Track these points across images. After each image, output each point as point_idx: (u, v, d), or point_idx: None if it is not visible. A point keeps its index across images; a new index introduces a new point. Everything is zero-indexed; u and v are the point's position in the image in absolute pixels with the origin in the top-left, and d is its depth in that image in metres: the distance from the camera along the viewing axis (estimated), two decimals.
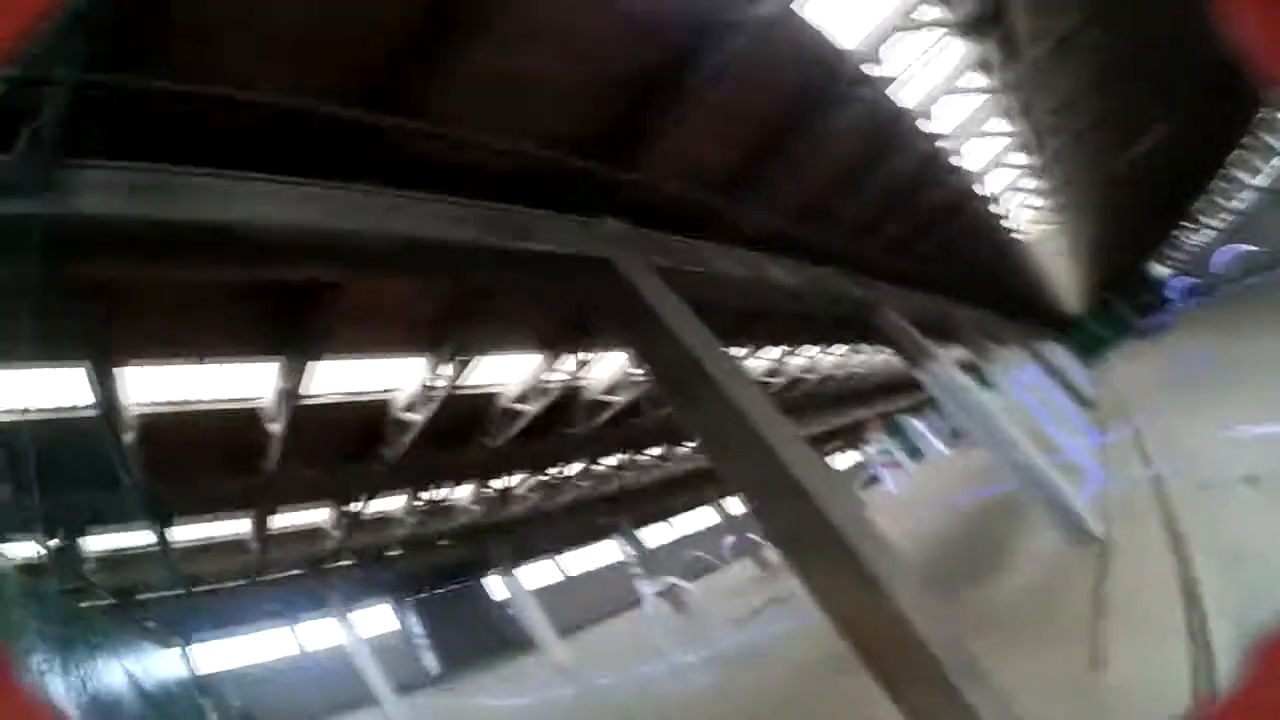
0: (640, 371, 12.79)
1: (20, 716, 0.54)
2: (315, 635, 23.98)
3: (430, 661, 24.49)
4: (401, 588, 25.03)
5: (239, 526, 13.94)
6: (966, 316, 17.47)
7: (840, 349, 21.61)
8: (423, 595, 26.17)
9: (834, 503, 5.86)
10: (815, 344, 19.00)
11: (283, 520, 14.43)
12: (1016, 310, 23.68)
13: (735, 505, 30.86)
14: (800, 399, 22.77)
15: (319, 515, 15.53)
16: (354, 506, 14.57)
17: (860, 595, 5.75)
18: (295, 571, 17.75)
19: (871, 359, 26.34)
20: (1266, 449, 9.66)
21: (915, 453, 30.92)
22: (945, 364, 12.00)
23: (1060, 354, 25.09)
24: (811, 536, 5.90)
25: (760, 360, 17.13)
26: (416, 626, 23.46)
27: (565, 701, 17.05)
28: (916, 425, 31.92)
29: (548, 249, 6.29)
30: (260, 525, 13.63)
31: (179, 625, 11.53)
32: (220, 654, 20.20)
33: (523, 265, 6.39)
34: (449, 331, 9.47)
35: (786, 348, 17.29)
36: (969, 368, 14.50)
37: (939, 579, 12.54)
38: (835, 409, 29.01)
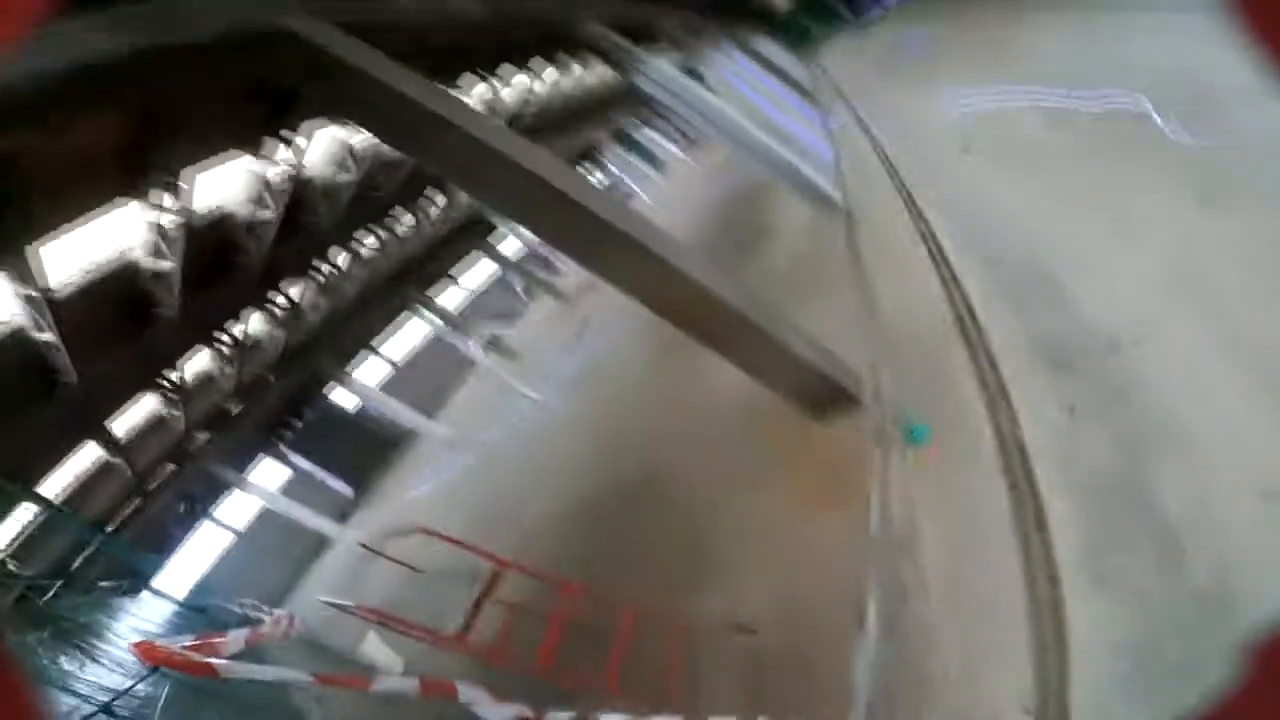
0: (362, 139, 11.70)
1: (20, 716, 0.46)
2: (232, 516, 22.42)
3: (339, 486, 23.16)
4: (263, 440, 23.01)
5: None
6: (672, 19, 16.29)
7: (552, 72, 19.97)
8: (288, 436, 24.20)
9: (602, 203, 5.76)
10: (525, 71, 17.32)
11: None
12: (723, 7, 22.57)
13: (512, 247, 29.90)
14: (528, 128, 21.34)
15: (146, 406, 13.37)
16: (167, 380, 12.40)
17: (657, 277, 5.82)
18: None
19: (586, 78, 25.08)
20: (978, 119, 9.97)
21: (655, 162, 30.59)
22: (661, 68, 11.26)
23: (775, 49, 24.60)
24: (595, 240, 5.84)
25: (473, 98, 15.46)
26: (305, 464, 21.59)
27: (474, 469, 16.63)
28: (649, 135, 31.29)
29: (220, 34, 5.15)
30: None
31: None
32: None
33: (200, 60, 5.34)
34: (149, 160, 7.79)
35: (497, 81, 15.51)
36: (687, 71, 13.75)
37: (714, 260, 12.79)
38: (565, 134, 27.66)
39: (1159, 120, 6.54)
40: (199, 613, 14.22)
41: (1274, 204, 4.91)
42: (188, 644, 3.07)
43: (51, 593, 10.89)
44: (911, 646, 3.95)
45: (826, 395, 6.39)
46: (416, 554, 9.07)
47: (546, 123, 24.33)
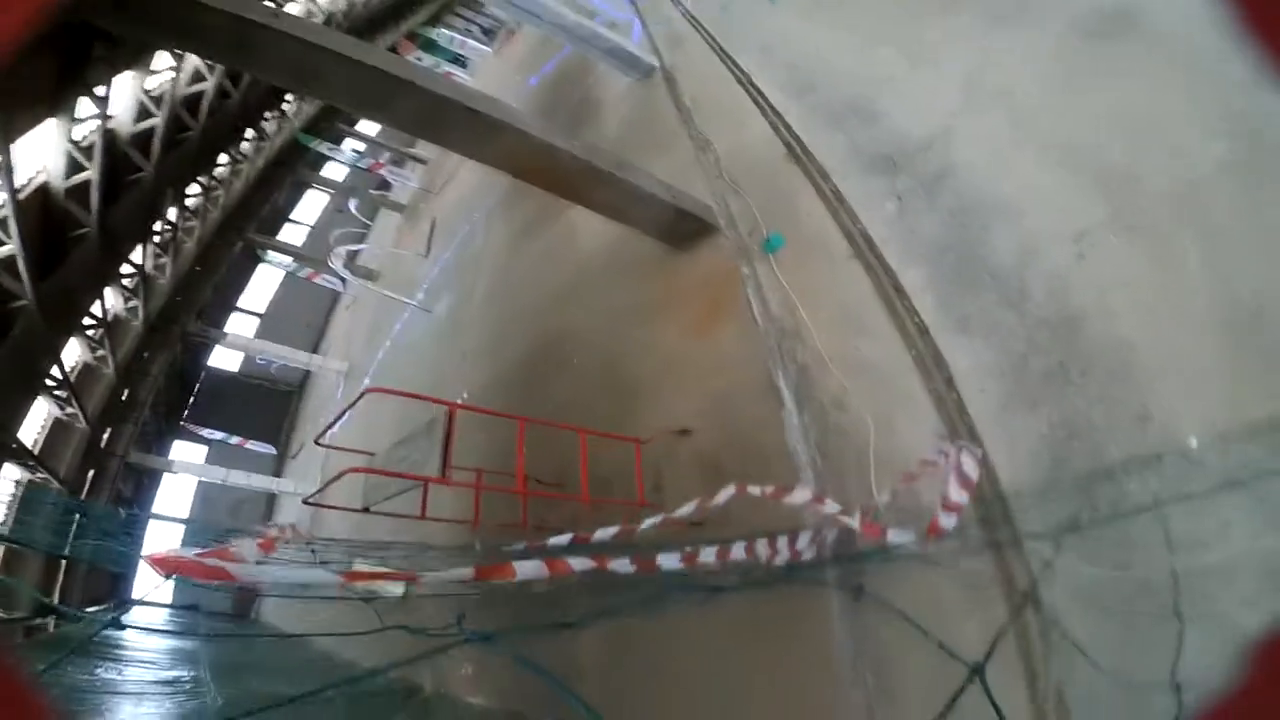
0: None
1: (20, 716, 0.42)
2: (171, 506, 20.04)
3: (261, 449, 21.02)
4: (172, 423, 20.66)
5: None
6: None
7: None
8: (188, 413, 21.67)
9: (438, 83, 5.37)
10: None
11: None
12: None
13: (338, 171, 27.16)
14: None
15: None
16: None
17: (502, 141, 5.57)
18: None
19: None
20: None
21: (459, 60, 27.99)
22: None
23: None
24: (438, 118, 5.47)
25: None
26: (216, 434, 19.31)
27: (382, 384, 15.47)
28: (447, 34, 28.43)
29: None
30: None
31: None
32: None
33: None
34: None
35: None
36: None
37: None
38: (370, 37, 24.77)
39: None
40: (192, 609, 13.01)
41: (1052, 17, 5.20)
42: (201, 552, 2.78)
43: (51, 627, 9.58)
44: (828, 412, 4.25)
45: (685, 227, 6.51)
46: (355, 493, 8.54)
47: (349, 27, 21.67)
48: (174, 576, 2.56)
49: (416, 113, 5.31)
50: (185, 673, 7.15)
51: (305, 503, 4.98)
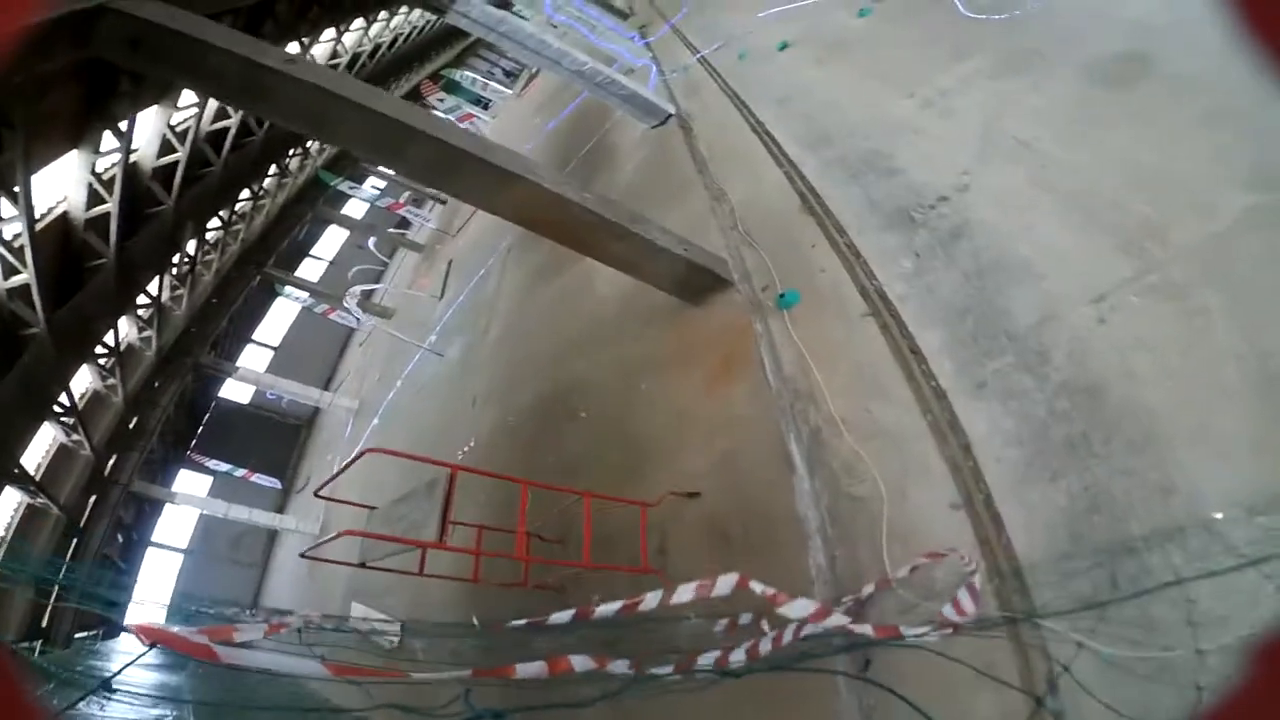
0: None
1: (20, 716, 0.43)
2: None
3: (266, 483, 20.94)
4: (179, 451, 20.81)
5: None
6: None
7: (362, 22, 18.18)
8: (195, 443, 21.83)
9: (450, 133, 5.39)
10: (338, 24, 15.66)
11: None
12: None
13: (358, 209, 27.64)
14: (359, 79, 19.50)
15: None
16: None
17: (516, 193, 5.57)
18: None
19: (405, 22, 23.02)
20: (794, 22, 9.81)
21: (481, 102, 28.69)
22: (474, 4, 10.31)
23: None
24: (449, 167, 5.50)
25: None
26: (222, 466, 19.36)
27: (389, 426, 15.48)
28: (470, 75, 29.20)
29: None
30: None
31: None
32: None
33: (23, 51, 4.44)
34: None
35: (309, 36, 14.02)
36: (498, 4, 12.73)
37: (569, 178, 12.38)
38: (394, 80, 25.47)
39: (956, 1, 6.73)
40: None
41: (1066, 63, 5.21)
42: (200, 629, 2.69)
43: (36, 653, 9.51)
44: (839, 478, 4.12)
45: (699, 280, 6.46)
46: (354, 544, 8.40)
47: (380, 69, 22.30)
48: (156, 646, 2.48)
49: (427, 161, 5.37)
50: (168, 713, 6.98)
51: (303, 556, 4.89)
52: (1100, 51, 5.03)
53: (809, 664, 2.67)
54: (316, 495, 4.85)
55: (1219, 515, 2.70)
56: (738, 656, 2.85)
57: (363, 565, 4.34)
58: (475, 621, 5.41)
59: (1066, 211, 4.25)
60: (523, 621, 3.06)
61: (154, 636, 2.48)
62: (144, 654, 2.82)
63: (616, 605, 2.73)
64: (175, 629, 2.65)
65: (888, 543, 3.61)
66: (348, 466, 3.87)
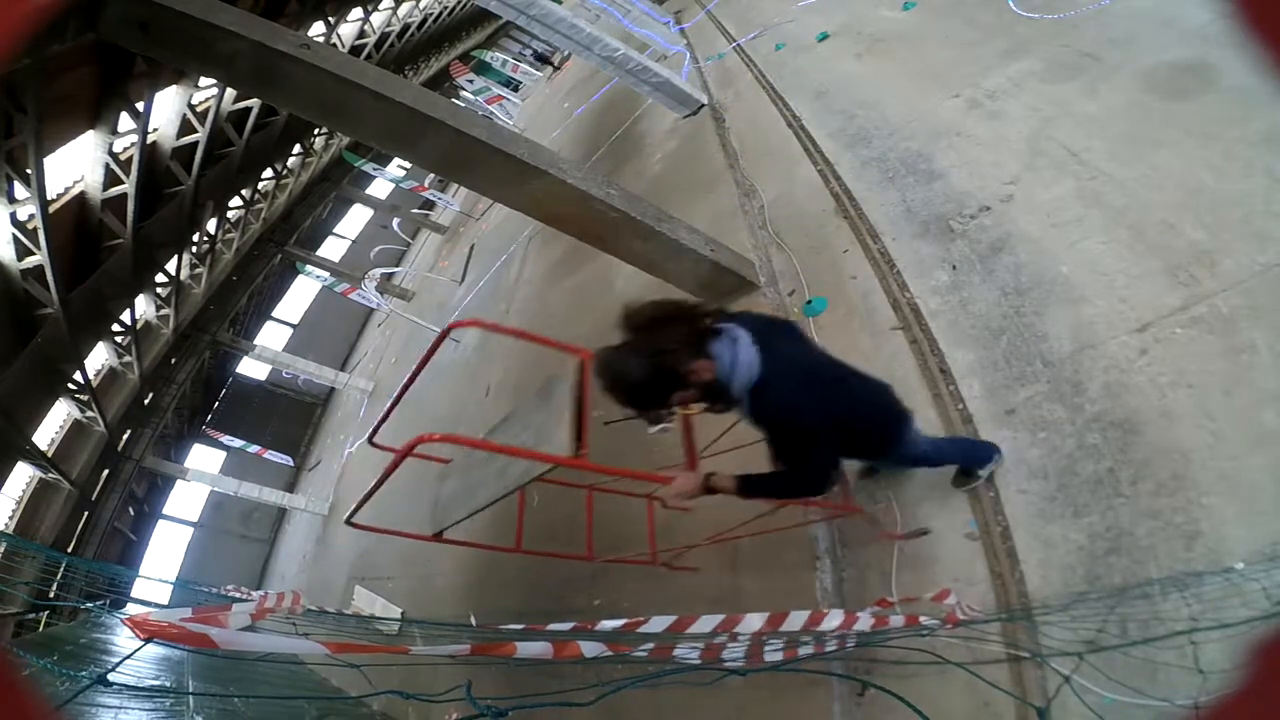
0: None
1: (20, 716, 0.43)
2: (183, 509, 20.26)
3: (279, 459, 21.34)
4: (193, 427, 21.36)
5: None
6: None
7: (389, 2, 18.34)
8: (210, 419, 22.34)
9: (472, 123, 5.37)
10: (366, 3, 15.76)
11: None
12: None
13: (382, 189, 27.95)
14: (387, 59, 19.63)
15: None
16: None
17: (538, 188, 5.57)
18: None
19: (435, 2, 23.14)
20: (835, 12, 9.69)
21: (511, 84, 28.83)
22: None
23: None
24: (469, 158, 5.49)
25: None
26: (236, 442, 19.87)
27: (405, 410, 15.68)
28: (501, 57, 29.33)
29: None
30: None
31: None
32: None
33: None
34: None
35: (335, 16, 14.16)
36: None
37: (595, 170, 12.36)
38: (423, 60, 25.66)
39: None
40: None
41: (1122, 70, 5.09)
42: (187, 617, 2.78)
43: (42, 624, 9.85)
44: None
45: (724, 281, 6.42)
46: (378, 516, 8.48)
47: (407, 50, 22.45)
48: (154, 640, 2.56)
49: (445, 153, 5.38)
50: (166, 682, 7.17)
51: (347, 523, 4.42)
52: (1159, 59, 4.91)
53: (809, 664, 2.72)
54: (348, 523, 4.39)
55: (1240, 565, 2.66)
56: (736, 654, 2.89)
57: (438, 537, 3.72)
58: (472, 620, 5.46)
59: (1114, 228, 4.17)
60: (520, 626, 3.11)
61: (150, 631, 2.57)
62: (140, 648, 2.92)
63: (619, 623, 2.76)
64: (175, 617, 2.73)
65: (897, 570, 3.60)
66: (382, 482, 3.41)
